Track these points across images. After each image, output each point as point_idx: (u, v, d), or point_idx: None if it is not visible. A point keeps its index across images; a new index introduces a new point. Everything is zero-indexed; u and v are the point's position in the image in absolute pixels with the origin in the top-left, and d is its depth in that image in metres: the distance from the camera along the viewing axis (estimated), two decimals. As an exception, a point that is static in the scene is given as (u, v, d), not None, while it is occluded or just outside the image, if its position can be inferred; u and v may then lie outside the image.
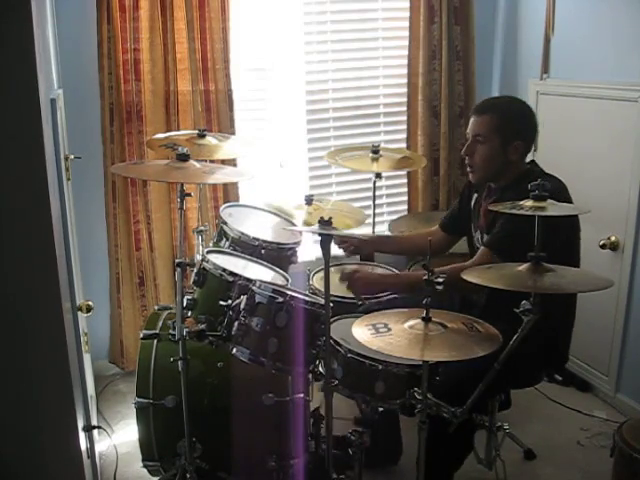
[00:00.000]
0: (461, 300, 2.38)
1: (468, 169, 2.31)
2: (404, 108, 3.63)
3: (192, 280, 2.13)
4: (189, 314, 2.10)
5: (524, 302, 1.70)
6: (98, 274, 3.27)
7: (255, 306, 1.95)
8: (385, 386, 1.91)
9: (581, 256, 2.22)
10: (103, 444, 2.76)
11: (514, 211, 1.72)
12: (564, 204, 1.77)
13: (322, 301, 1.88)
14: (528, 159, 2.30)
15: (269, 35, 3.39)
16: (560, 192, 2.05)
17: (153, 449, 2.28)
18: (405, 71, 3.57)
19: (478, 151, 2.22)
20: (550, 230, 1.72)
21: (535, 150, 3.40)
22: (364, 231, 3.16)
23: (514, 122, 2.20)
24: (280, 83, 3.48)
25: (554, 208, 1.71)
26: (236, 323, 1.98)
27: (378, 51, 3.62)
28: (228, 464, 2.22)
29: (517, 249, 1.74)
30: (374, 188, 3.11)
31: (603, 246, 2.96)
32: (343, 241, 2.55)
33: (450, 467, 2.17)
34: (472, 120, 2.25)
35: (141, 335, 2.31)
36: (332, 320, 2.02)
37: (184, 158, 2.08)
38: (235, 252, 2.38)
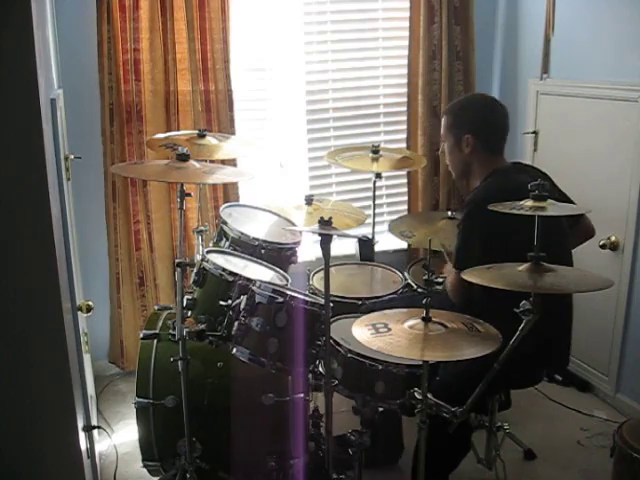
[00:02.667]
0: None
1: None
2: (404, 108, 3.63)
3: (192, 280, 2.13)
4: (189, 314, 2.10)
5: (524, 302, 1.70)
6: (98, 274, 3.27)
7: (255, 306, 1.95)
8: (385, 386, 1.92)
9: (579, 256, 2.19)
10: (103, 444, 2.76)
11: (514, 211, 1.72)
12: (564, 204, 1.77)
13: (322, 301, 1.88)
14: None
15: (269, 35, 3.39)
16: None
17: (153, 449, 2.28)
18: (405, 71, 3.57)
19: (445, 152, 2.29)
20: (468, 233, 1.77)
21: (535, 150, 3.43)
22: (364, 231, 3.16)
23: (460, 116, 2.24)
24: (280, 83, 3.48)
25: (554, 208, 1.71)
26: (236, 323, 1.98)
27: (378, 51, 3.62)
28: (228, 464, 2.22)
29: (467, 259, 1.88)
30: (374, 188, 3.11)
31: (603, 246, 2.95)
32: None
33: (447, 467, 2.17)
34: None
35: (141, 335, 2.31)
36: (332, 320, 2.02)
37: (184, 158, 2.09)
38: (235, 252, 2.38)
